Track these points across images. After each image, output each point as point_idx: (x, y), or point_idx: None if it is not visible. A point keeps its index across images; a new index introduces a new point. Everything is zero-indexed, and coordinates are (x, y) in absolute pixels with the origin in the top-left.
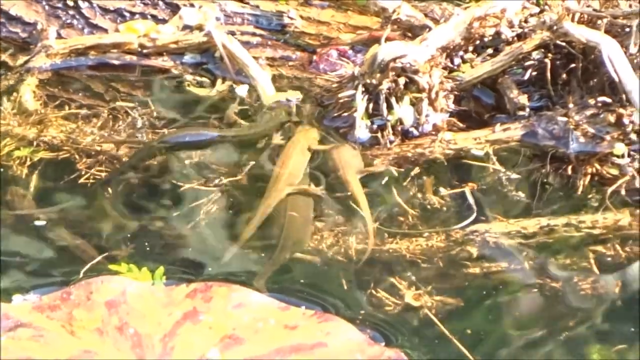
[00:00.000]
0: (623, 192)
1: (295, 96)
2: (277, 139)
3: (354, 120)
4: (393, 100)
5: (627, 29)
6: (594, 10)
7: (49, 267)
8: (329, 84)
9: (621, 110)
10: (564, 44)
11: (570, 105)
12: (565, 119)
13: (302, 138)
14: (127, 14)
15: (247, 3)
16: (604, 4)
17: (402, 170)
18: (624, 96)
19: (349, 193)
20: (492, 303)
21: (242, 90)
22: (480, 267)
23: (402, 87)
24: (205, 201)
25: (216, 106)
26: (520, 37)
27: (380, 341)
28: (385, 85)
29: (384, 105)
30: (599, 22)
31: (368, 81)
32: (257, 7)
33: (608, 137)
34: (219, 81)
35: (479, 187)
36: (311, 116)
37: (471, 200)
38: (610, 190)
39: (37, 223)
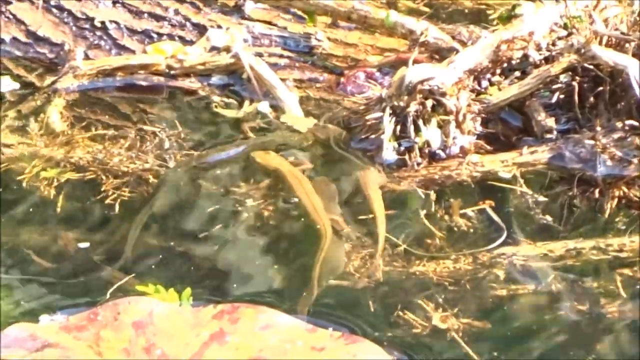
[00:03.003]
0: None
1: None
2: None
3: (381, 142)
4: (420, 122)
5: None
6: (622, 33)
7: (76, 287)
8: (356, 106)
9: None
10: (591, 67)
11: (598, 129)
12: (592, 142)
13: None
14: (155, 35)
15: (275, 25)
16: (632, 27)
17: (429, 192)
18: None
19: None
20: (519, 326)
21: (263, 107)
22: (507, 290)
23: (429, 109)
24: (232, 222)
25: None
26: (548, 60)
27: None
28: (413, 107)
29: (412, 128)
30: (627, 45)
31: (395, 103)
32: (285, 28)
33: (635, 160)
34: (246, 103)
35: (505, 210)
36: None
37: (496, 218)
38: None
39: (80, 245)
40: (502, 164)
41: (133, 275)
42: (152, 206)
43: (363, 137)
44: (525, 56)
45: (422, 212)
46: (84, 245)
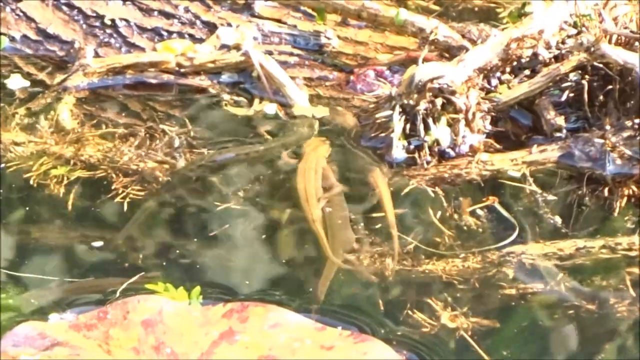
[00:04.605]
0: None
1: (322, 113)
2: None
3: (391, 140)
4: (430, 121)
5: None
6: (631, 32)
7: (86, 285)
8: (366, 105)
9: None
10: (601, 65)
11: (607, 127)
12: (602, 140)
13: (313, 157)
14: (165, 33)
15: (285, 23)
16: None
17: (439, 191)
18: None
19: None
20: (528, 324)
21: (270, 109)
22: (517, 289)
23: (439, 107)
24: (241, 221)
25: (253, 126)
26: (558, 58)
27: None
28: (423, 105)
29: (421, 126)
30: (636, 43)
31: (405, 102)
32: (295, 26)
33: None
34: (256, 101)
35: (515, 209)
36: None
37: (507, 215)
38: None
39: (94, 244)
40: (512, 163)
41: (142, 273)
42: (153, 202)
43: (373, 135)
44: (535, 54)
45: (432, 211)
46: (95, 243)
